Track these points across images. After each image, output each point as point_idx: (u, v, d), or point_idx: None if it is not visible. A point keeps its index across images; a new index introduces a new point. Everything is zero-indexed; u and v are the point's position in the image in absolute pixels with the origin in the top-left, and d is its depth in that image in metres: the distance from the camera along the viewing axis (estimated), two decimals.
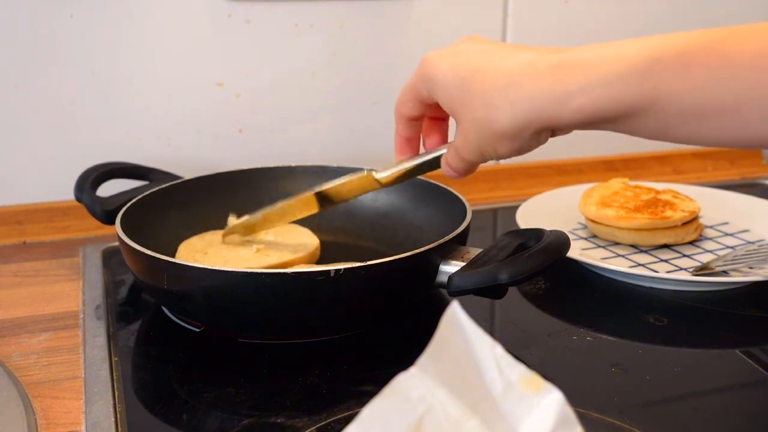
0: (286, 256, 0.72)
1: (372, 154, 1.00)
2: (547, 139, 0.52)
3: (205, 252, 0.73)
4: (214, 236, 0.77)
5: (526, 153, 0.53)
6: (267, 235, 0.76)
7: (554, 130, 0.51)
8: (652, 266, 0.76)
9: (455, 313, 0.37)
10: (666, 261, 0.77)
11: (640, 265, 0.76)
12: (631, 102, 0.46)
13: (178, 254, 0.73)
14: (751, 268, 0.74)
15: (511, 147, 0.52)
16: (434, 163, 0.59)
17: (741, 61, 0.43)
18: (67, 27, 0.86)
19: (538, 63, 0.49)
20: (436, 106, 0.57)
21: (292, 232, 0.77)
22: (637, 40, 0.47)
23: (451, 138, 0.57)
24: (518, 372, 0.37)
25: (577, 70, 0.47)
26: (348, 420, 0.42)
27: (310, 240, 0.76)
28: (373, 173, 0.63)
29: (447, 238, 0.63)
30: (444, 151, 0.58)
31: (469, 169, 0.57)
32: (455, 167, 0.57)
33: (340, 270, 0.57)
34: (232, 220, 0.75)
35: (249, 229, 0.75)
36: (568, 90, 0.47)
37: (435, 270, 0.62)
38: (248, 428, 0.52)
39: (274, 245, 0.74)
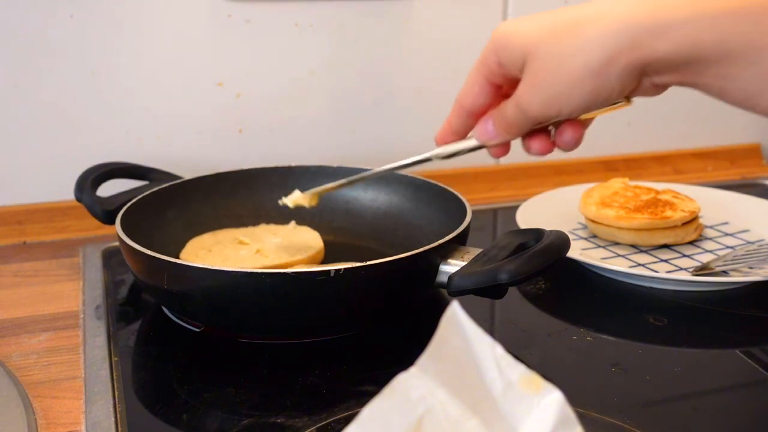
0: (284, 258, 0.72)
1: (372, 153, 1.00)
2: (630, 88, 0.47)
3: (210, 249, 0.73)
4: (226, 234, 0.77)
5: (602, 106, 0.47)
6: (274, 236, 0.76)
7: (645, 69, 0.45)
8: (652, 266, 0.76)
9: (455, 313, 0.37)
10: (666, 261, 0.77)
11: (640, 265, 0.76)
12: (738, 43, 0.42)
13: (184, 250, 0.74)
14: (751, 268, 0.74)
15: (592, 87, 0.45)
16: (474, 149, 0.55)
17: None
18: (67, 27, 0.86)
19: None
20: (506, 92, 0.52)
21: (298, 234, 0.77)
22: None
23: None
24: (518, 372, 0.37)
25: (680, 2, 0.43)
26: (348, 420, 0.42)
27: (314, 242, 0.76)
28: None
29: (447, 238, 0.63)
30: (473, 142, 0.54)
31: (514, 130, 0.51)
32: (501, 124, 0.51)
33: (340, 270, 0.57)
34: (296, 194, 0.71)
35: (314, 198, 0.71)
36: (672, 17, 0.43)
37: (435, 270, 0.62)
38: (248, 428, 0.52)
39: (279, 246, 0.74)
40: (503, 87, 0.52)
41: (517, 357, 0.38)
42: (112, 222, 0.72)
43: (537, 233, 0.63)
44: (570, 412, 0.36)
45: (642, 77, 0.46)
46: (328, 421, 0.52)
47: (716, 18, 0.42)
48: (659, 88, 0.47)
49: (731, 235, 0.84)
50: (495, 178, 1.05)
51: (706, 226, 0.86)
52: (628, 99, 0.50)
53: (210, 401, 0.55)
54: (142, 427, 0.53)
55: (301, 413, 0.53)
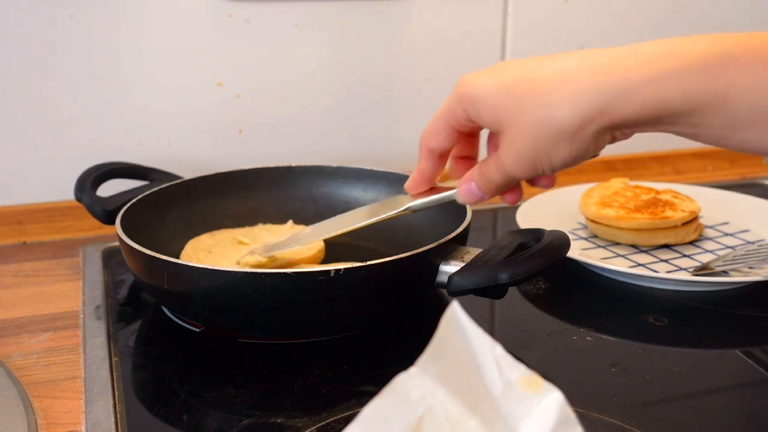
0: (287, 257, 0.72)
1: (372, 154, 1.00)
2: (605, 144, 0.48)
3: (210, 251, 0.73)
4: (224, 235, 0.77)
5: (583, 160, 0.49)
6: (273, 236, 0.76)
7: (615, 129, 0.47)
8: (652, 266, 0.76)
9: (455, 313, 0.37)
10: (666, 261, 0.77)
11: (640, 265, 0.76)
12: (702, 97, 0.43)
13: (183, 251, 0.74)
14: (751, 268, 0.74)
15: (569, 150, 0.47)
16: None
17: None
18: (67, 27, 0.86)
19: (592, 59, 0.46)
20: (469, 139, 0.54)
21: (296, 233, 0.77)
22: (702, 37, 0.44)
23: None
24: (518, 372, 0.37)
25: (641, 61, 0.44)
26: (348, 420, 0.42)
27: (314, 242, 0.76)
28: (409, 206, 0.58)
29: (447, 238, 0.63)
30: (450, 196, 0.55)
31: (499, 190, 0.52)
32: (486, 186, 0.52)
33: (340, 270, 0.57)
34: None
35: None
36: (634, 81, 0.44)
37: (435, 270, 0.62)
38: (248, 428, 0.52)
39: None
40: (469, 135, 0.54)
41: (517, 357, 0.38)
42: (112, 222, 0.72)
43: (537, 233, 0.63)
44: (570, 412, 0.36)
45: (615, 132, 0.48)
46: (328, 421, 0.52)
47: (678, 75, 0.44)
48: (630, 135, 0.49)
49: (731, 235, 0.84)
50: None
51: (706, 226, 0.86)
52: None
53: (210, 401, 0.55)
54: (142, 427, 0.53)
55: (301, 413, 0.53)
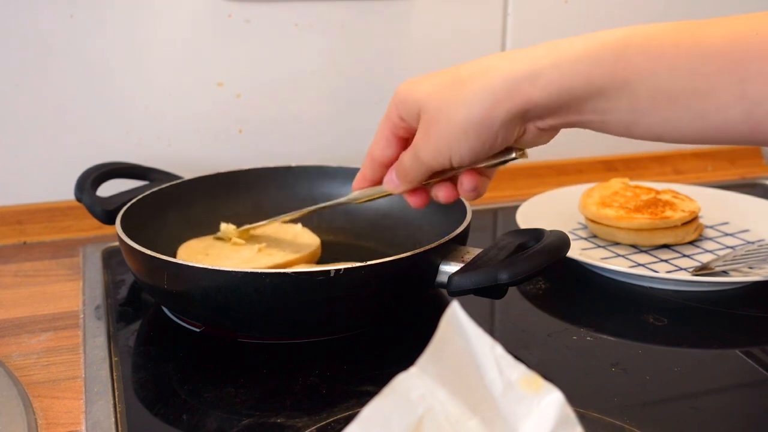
0: (288, 256, 0.72)
1: None
2: (515, 135, 0.50)
3: (207, 253, 0.73)
4: (213, 239, 0.77)
5: (494, 151, 0.51)
6: (268, 234, 0.76)
7: (525, 116, 0.49)
8: (652, 266, 0.76)
9: (455, 313, 0.37)
10: (666, 261, 0.77)
11: (640, 265, 0.76)
12: (602, 80, 0.46)
13: (178, 257, 0.73)
14: (751, 268, 0.74)
15: (477, 138, 0.49)
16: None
17: (714, 47, 0.43)
18: (67, 27, 0.86)
19: (511, 54, 0.49)
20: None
21: (293, 232, 0.77)
22: (611, 30, 0.47)
23: None
24: (518, 372, 0.37)
25: (549, 51, 0.47)
26: (348, 420, 0.42)
27: (310, 240, 0.76)
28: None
29: (447, 238, 0.63)
30: (383, 189, 0.59)
31: (416, 180, 0.55)
32: (403, 175, 0.55)
33: (340, 270, 0.57)
34: (225, 227, 0.75)
35: (244, 234, 0.76)
36: (540, 66, 0.47)
37: (435, 270, 0.62)
38: (248, 428, 0.52)
39: (275, 245, 0.74)
40: (408, 139, 0.56)
41: (517, 357, 0.38)
42: (112, 222, 0.72)
43: (537, 233, 0.63)
44: (570, 412, 0.36)
45: (525, 123, 0.50)
46: (328, 421, 0.52)
47: (579, 60, 0.46)
48: (547, 133, 0.51)
49: (731, 235, 0.84)
50: (495, 178, 1.04)
51: (706, 226, 0.86)
52: (522, 152, 0.53)
53: (210, 401, 0.55)
54: (142, 427, 0.53)
55: (301, 413, 0.53)
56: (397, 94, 0.54)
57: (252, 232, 0.76)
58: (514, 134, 0.50)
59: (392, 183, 0.57)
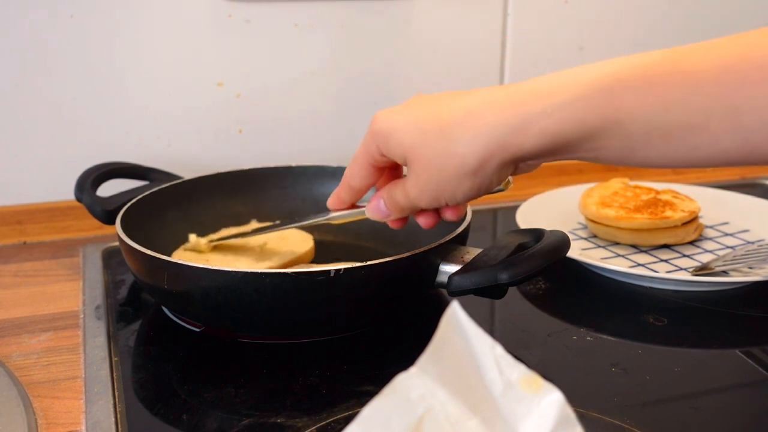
0: (288, 257, 0.72)
1: None
2: (507, 176, 0.51)
3: (207, 260, 0.73)
4: (182, 251, 0.76)
5: (487, 192, 0.51)
6: (261, 239, 0.76)
7: (517, 161, 0.49)
8: (652, 266, 0.76)
9: (455, 313, 0.37)
10: (666, 261, 0.77)
11: (640, 265, 0.76)
12: (594, 122, 0.45)
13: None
14: (751, 268, 0.74)
15: (471, 185, 0.49)
16: None
17: (704, 77, 0.42)
18: (67, 27, 0.86)
19: (495, 95, 0.48)
20: (393, 172, 0.56)
21: (285, 234, 0.77)
22: (597, 64, 0.46)
23: None
24: (518, 372, 0.37)
25: (536, 95, 0.46)
26: (348, 420, 0.42)
27: (303, 239, 0.76)
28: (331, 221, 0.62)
29: (447, 238, 0.63)
30: (364, 213, 0.58)
31: (405, 213, 0.55)
32: (393, 207, 0.55)
33: (340, 270, 0.57)
34: (194, 239, 0.75)
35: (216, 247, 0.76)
36: (530, 113, 0.46)
37: (435, 270, 0.62)
38: (248, 428, 0.52)
39: (270, 249, 0.74)
40: (386, 169, 0.56)
41: (517, 357, 0.38)
42: (112, 222, 0.72)
43: (537, 233, 0.63)
44: (570, 412, 0.36)
45: (517, 164, 0.50)
46: (328, 421, 0.52)
47: (570, 105, 0.45)
48: (538, 166, 0.52)
49: (731, 235, 0.84)
50: None
51: (706, 226, 0.86)
52: (508, 181, 0.54)
53: (210, 401, 0.55)
54: (142, 427, 0.53)
55: (301, 413, 0.53)
56: (374, 129, 0.53)
57: (220, 243, 0.76)
58: (507, 174, 0.51)
59: (380, 212, 0.56)
